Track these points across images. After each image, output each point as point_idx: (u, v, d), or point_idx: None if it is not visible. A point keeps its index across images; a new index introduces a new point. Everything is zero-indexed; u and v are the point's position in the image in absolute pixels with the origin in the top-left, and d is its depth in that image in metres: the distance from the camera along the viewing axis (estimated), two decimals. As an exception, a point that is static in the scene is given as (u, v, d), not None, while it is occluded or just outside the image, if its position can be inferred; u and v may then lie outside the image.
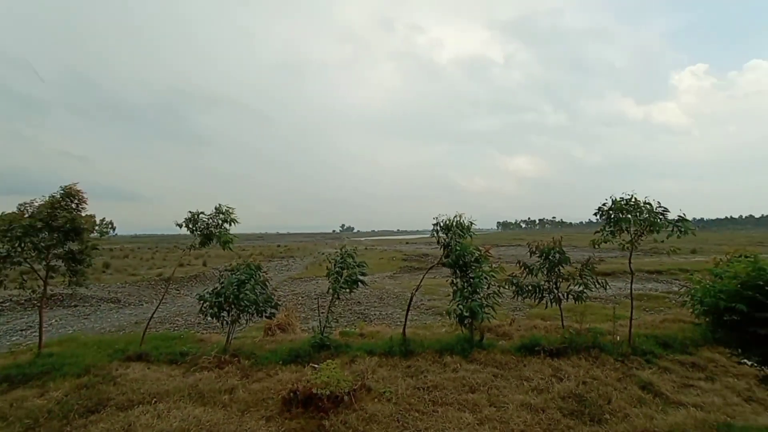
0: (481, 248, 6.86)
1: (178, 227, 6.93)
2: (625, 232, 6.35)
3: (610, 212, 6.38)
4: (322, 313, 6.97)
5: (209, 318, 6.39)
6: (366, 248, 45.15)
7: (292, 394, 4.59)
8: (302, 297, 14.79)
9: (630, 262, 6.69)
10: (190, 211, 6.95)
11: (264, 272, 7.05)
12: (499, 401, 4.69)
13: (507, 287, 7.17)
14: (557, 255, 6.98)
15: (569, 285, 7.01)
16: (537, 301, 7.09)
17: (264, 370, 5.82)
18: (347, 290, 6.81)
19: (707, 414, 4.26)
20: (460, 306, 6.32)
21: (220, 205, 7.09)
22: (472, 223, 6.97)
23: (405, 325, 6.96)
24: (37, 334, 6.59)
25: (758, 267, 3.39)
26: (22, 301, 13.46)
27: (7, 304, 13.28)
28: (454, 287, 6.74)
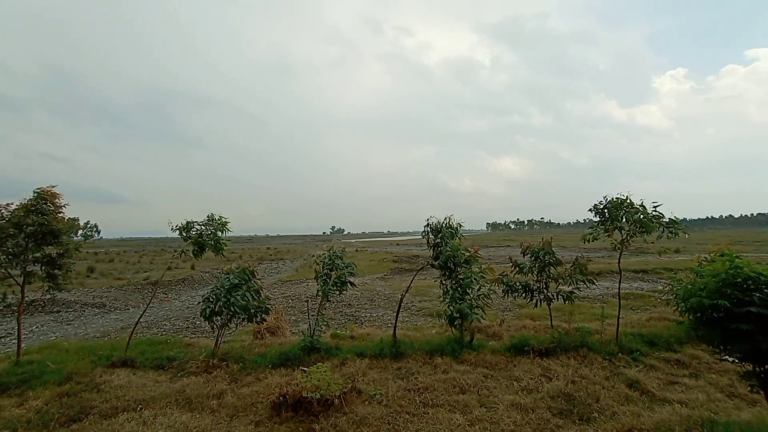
0: (470, 249, 6.92)
1: (171, 231, 6.91)
2: (617, 231, 6.47)
3: (605, 210, 6.49)
4: (312, 315, 6.92)
5: (206, 320, 6.33)
6: (356, 250, 45.04)
7: (281, 398, 4.53)
8: (292, 300, 14.65)
9: (619, 262, 6.82)
10: (186, 220, 7.00)
11: (258, 279, 6.97)
12: (490, 402, 4.71)
13: (497, 287, 7.27)
14: (547, 256, 7.09)
15: (558, 285, 7.13)
16: (527, 300, 7.21)
17: (253, 374, 5.74)
18: (336, 292, 6.78)
19: (692, 410, 4.36)
20: (450, 307, 6.35)
21: (212, 214, 7.15)
22: (461, 225, 7.18)
23: (395, 326, 6.95)
24: (16, 341, 6.38)
25: (736, 265, 3.48)
26: (1, 308, 13.02)
27: (-15, 310, 12.83)
28: (444, 288, 6.78)
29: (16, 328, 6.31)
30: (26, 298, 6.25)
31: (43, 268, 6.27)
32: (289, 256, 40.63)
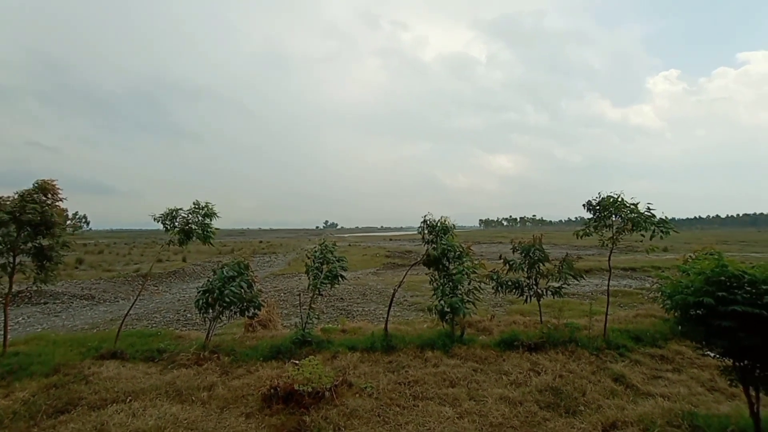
0: (462, 245, 6.98)
1: (154, 221, 6.72)
2: (608, 228, 6.57)
3: (598, 207, 6.58)
4: (304, 309, 6.92)
5: (200, 311, 6.32)
6: (350, 245, 45.03)
7: (272, 390, 4.55)
8: (284, 293, 14.63)
9: (609, 259, 6.93)
10: (168, 208, 6.80)
11: (252, 272, 6.94)
12: (479, 395, 4.78)
13: (488, 283, 7.35)
14: (537, 252, 7.17)
15: (548, 281, 7.23)
16: (517, 296, 7.30)
17: (244, 366, 5.75)
18: (328, 285, 6.79)
19: (673, 403, 4.47)
20: (442, 302, 6.41)
21: (198, 201, 6.97)
22: (454, 226, 7.37)
23: (387, 321, 7.00)
24: (2, 333, 6.28)
25: (721, 264, 3.56)
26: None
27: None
28: (436, 283, 6.83)
29: (3, 319, 6.21)
30: (13, 290, 6.14)
31: (34, 259, 6.17)
32: (282, 249, 40.47)
